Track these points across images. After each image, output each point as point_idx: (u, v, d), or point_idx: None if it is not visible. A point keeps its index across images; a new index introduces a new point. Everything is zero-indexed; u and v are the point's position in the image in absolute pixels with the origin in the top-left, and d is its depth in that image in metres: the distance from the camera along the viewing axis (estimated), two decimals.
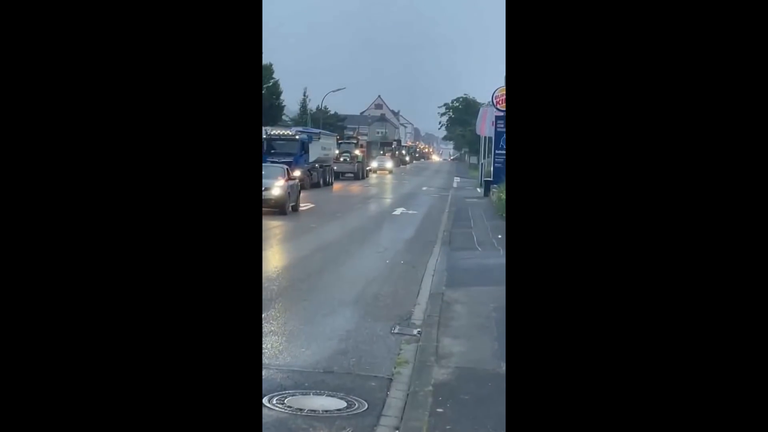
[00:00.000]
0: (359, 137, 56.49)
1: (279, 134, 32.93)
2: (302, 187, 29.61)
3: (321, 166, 35.88)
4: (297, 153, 31.66)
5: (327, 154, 38.16)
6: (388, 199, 29.83)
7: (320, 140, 36.41)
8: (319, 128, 50.63)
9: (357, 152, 46.90)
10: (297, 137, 32.63)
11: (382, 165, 59.50)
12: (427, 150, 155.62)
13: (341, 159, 44.70)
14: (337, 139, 48.40)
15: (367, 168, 49.94)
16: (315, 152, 34.46)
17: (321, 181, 35.13)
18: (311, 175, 33.13)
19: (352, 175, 44.81)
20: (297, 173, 29.92)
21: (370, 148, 57.99)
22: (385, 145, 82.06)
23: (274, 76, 56.09)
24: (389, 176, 53.52)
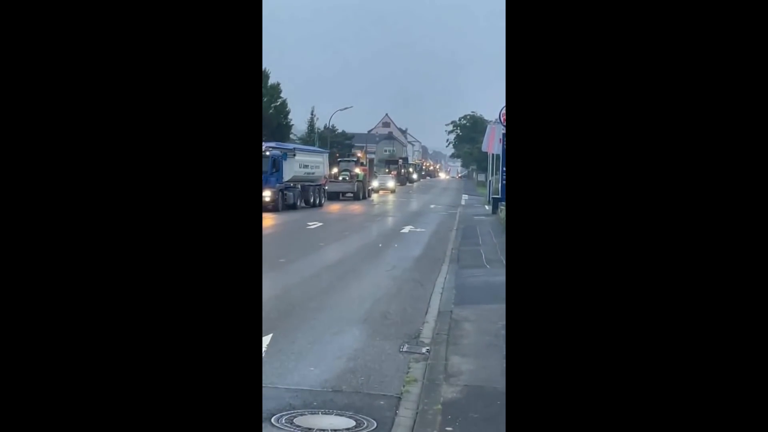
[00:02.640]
0: (362, 155, 55.18)
1: None
2: (273, 209, 28.68)
3: (302, 186, 33.34)
4: (267, 171, 29.50)
5: (311, 173, 35.34)
6: (391, 218, 29.76)
7: (296, 157, 33.24)
8: (326, 147, 50.13)
9: (357, 170, 44.55)
10: (267, 153, 30.01)
11: (384, 184, 56.25)
12: (433, 168, 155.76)
13: (340, 178, 42.79)
14: (336, 157, 46.48)
15: (369, 188, 47.85)
16: (290, 170, 31.84)
17: (299, 202, 32.42)
18: (284, 195, 30.85)
19: (351, 195, 42.82)
20: (266, 193, 28.60)
21: (372, 166, 55.06)
22: (391, 162, 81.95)
23: (282, 95, 56.32)
24: (392, 196, 51.00)
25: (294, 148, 34.79)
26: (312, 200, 34.18)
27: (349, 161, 47.11)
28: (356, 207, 36.47)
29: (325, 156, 39.99)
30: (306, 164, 34.65)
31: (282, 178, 30.77)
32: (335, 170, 43.21)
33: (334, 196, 40.13)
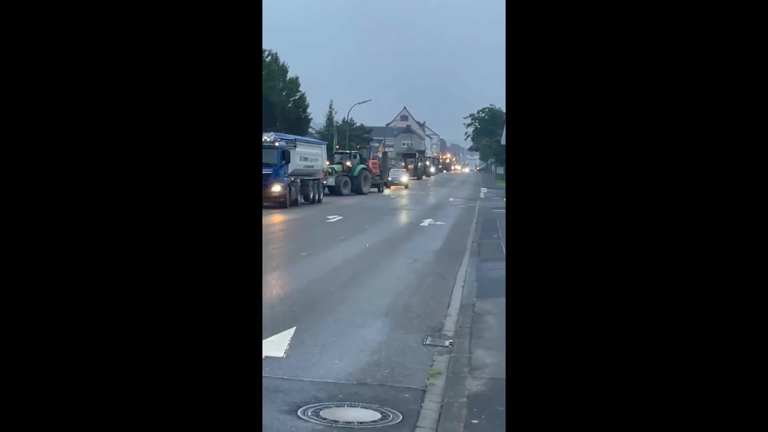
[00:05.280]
0: (381, 148, 53.23)
1: None
2: (282, 206, 26.39)
3: (302, 181, 30.23)
4: (276, 164, 26.70)
5: (311, 166, 32.17)
6: (412, 212, 29.68)
7: (296, 149, 30.15)
8: (345, 141, 49.25)
9: (348, 163, 41.21)
10: (276, 144, 27.43)
11: (397, 179, 52.20)
12: (450, 160, 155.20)
13: (325, 171, 37.09)
14: (337, 149, 42.66)
15: (380, 182, 44.50)
16: (292, 163, 28.74)
17: (299, 198, 29.55)
18: (290, 190, 28.06)
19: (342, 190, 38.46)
20: (276, 188, 26.49)
21: (386, 160, 51.36)
22: (408, 156, 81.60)
23: (300, 89, 56.39)
24: (406, 191, 47.64)
25: (295, 139, 31.49)
26: (312, 196, 31.30)
27: (342, 153, 43.50)
28: (350, 201, 34.90)
29: (323, 148, 36.42)
30: (306, 156, 31.82)
31: (288, 171, 28.13)
32: (326, 163, 38.33)
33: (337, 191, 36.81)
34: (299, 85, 56.55)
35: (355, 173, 40.89)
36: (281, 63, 55.02)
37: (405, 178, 54.42)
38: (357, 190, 40.04)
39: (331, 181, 37.75)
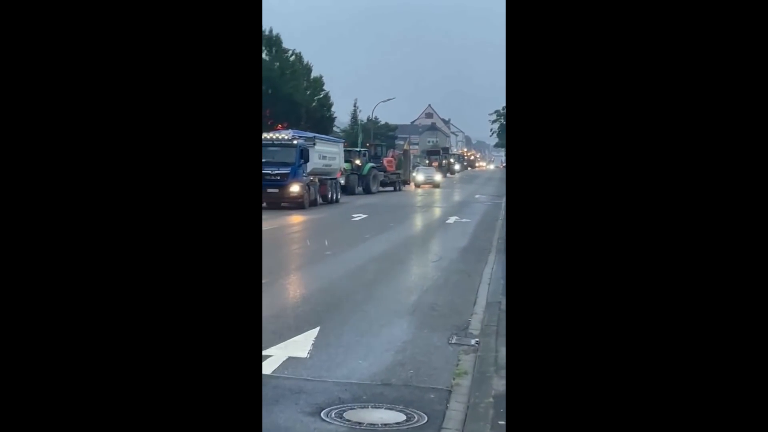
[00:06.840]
0: (407, 146, 52.64)
1: (272, 139, 26.76)
2: (301, 206, 25.59)
3: (320, 180, 29.09)
4: (295, 162, 26.06)
5: (329, 165, 31.32)
6: (437, 209, 29.59)
7: (315, 147, 29.31)
8: (371, 140, 49.02)
9: (357, 162, 39.69)
10: (295, 142, 26.80)
11: (430, 177, 49.60)
12: (475, 157, 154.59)
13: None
14: (345, 145, 40.36)
15: (397, 180, 43.29)
16: (311, 162, 27.86)
17: (317, 198, 28.43)
18: (309, 190, 27.04)
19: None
20: (295, 188, 25.73)
21: (406, 158, 50.32)
22: (432, 153, 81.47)
23: (324, 87, 56.48)
24: (435, 189, 45.59)
25: (314, 137, 30.60)
26: (330, 196, 30.34)
27: (351, 151, 41.45)
28: (372, 200, 34.39)
29: (341, 146, 35.74)
30: (324, 155, 31.01)
31: (306, 170, 27.26)
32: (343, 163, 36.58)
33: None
34: (323, 84, 56.64)
35: (365, 171, 39.54)
36: (305, 62, 55.13)
37: (438, 177, 50.81)
38: (366, 189, 38.83)
39: (341, 179, 35.52)
